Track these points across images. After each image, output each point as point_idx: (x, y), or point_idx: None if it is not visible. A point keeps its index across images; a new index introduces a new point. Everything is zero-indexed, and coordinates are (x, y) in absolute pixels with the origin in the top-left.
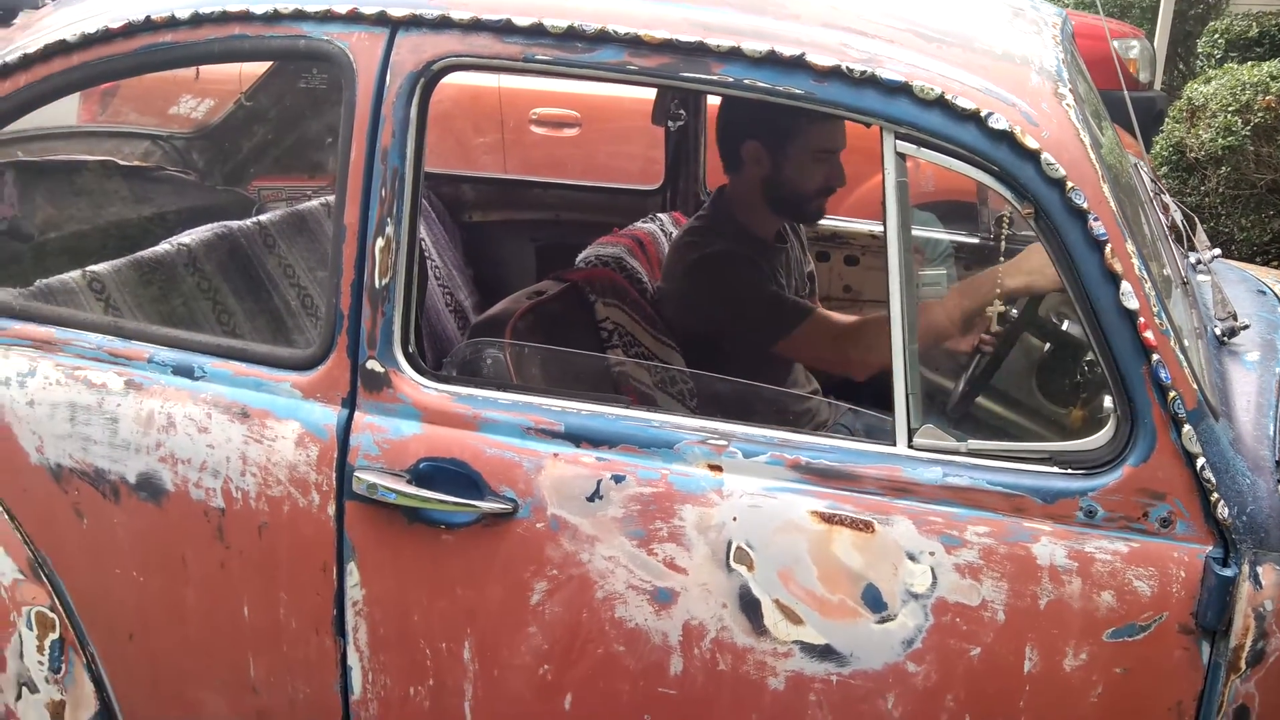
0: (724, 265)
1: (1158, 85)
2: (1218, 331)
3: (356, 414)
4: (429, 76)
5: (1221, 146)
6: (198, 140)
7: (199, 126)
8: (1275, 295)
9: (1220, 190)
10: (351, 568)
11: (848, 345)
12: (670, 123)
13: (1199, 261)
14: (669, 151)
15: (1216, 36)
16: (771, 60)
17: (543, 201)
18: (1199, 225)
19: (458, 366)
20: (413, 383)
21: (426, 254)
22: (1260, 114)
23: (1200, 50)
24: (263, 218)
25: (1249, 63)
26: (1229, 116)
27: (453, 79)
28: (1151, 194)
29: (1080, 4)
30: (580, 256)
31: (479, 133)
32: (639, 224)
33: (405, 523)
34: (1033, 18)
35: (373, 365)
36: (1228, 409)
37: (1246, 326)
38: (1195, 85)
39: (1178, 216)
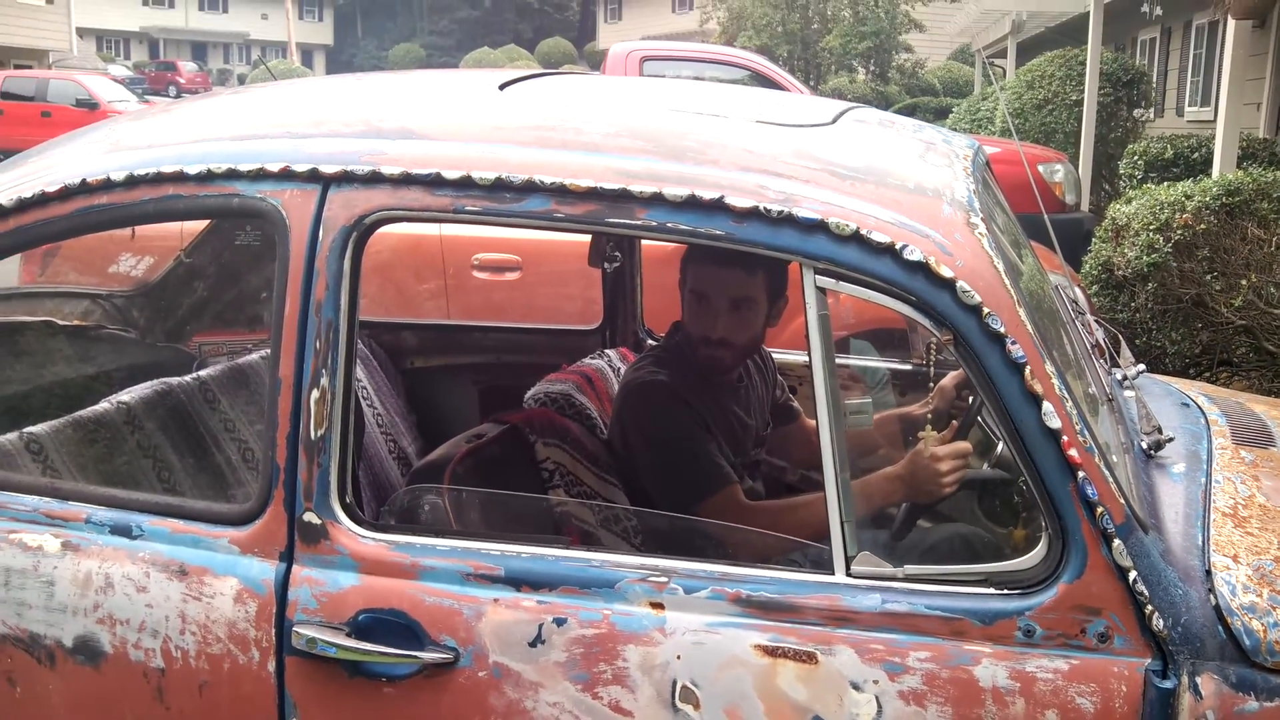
0: (653, 394)
1: (1084, 206)
2: (1144, 445)
3: (295, 567)
4: (361, 230)
5: (1146, 264)
6: (138, 298)
7: (139, 284)
8: (1199, 407)
9: (1149, 306)
10: None
11: (762, 524)
12: (606, 264)
13: (1125, 377)
14: (606, 292)
15: (1136, 158)
16: (692, 204)
17: (483, 345)
18: (1123, 342)
19: (397, 515)
20: (350, 533)
21: (368, 400)
22: (1179, 231)
23: (1122, 171)
24: (203, 373)
25: (1165, 183)
26: (1151, 235)
27: (394, 228)
28: (1074, 314)
29: (1004, 131)
30: (529, 394)
31: (421, 280)
32: (587, 360)
33: (346, 677)
34: (944, 150)
35: (309, 517)
36: (1157, 521)
37: (1171, 439)
38: (1118, 206)
39: (1100, 335)
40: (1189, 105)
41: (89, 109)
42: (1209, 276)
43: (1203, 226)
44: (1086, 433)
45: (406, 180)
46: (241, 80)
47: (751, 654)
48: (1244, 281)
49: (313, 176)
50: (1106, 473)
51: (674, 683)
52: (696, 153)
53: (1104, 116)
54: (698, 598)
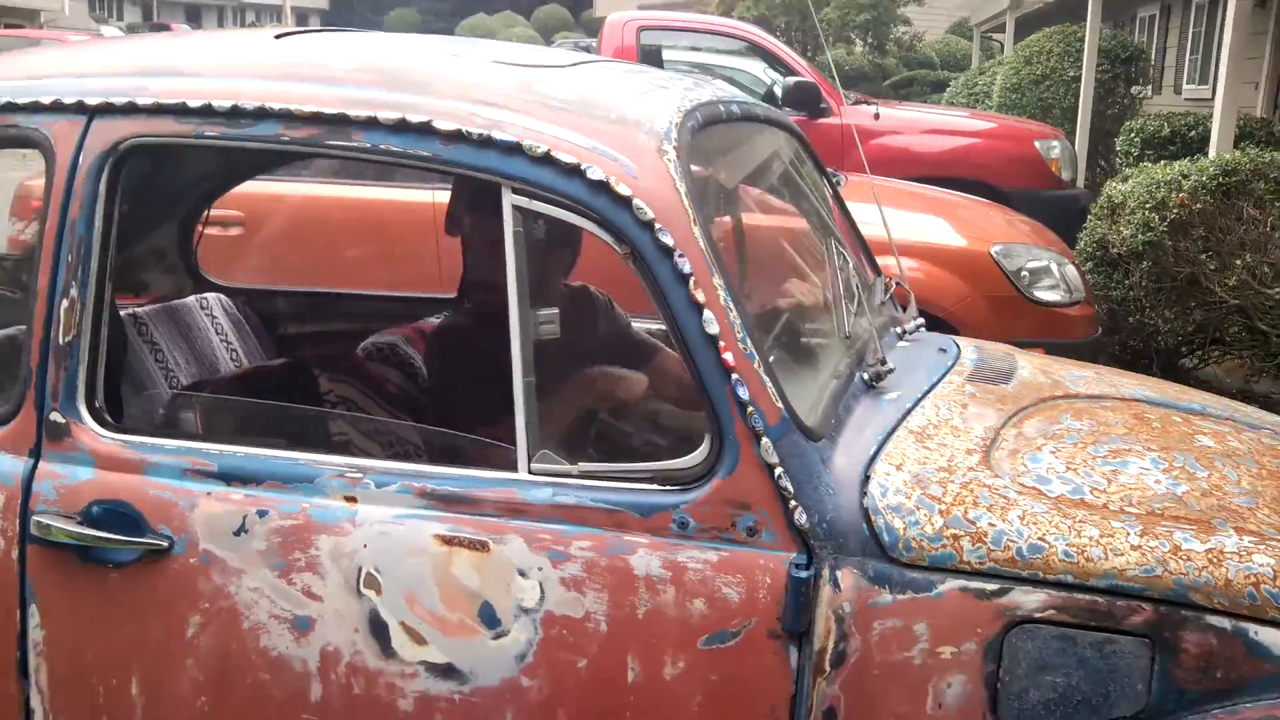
0: (444, 335)
1: (1080, 183)
2: (865, 376)
3: (41, 463)
4: (117, 156)
5: (1141, 242)
6: (26, 261)
7: (27, 248)
8: (959, 352)
9: (1143, 284)
10: (33, 610)
11: None
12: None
13: (903, 330)
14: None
15: (1133, 135)
16: (403, 127)
17: (353, 312)
18: (912, 299)
19: (150, 419)
20: (91, 432)
21: (237, 362)
22: (1175, 210)
23: (1119, 149)
24: None
25: (1162, 162)
26: (1147, 213)
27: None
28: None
29: (1002, 106)
30: (361, 345)
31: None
32: (431, 318)
33: (78, 562)
34: (672, 95)
35: (55, 417)
36: (836, 432)
37: (891, 370)
38: (1114, 184)
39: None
40: (1187, 83)
41: None
42: (1204, 256)
43: (1199, 206)
44: (748, 342)
45: (158, 110)
46: None
47: (431, 543)
48: (1238, 261)
49: (79, 108)
50: (765, 378)
51: (359, 570)
52: (421, 85)
53: (1101, 93)
54: (387, 491)
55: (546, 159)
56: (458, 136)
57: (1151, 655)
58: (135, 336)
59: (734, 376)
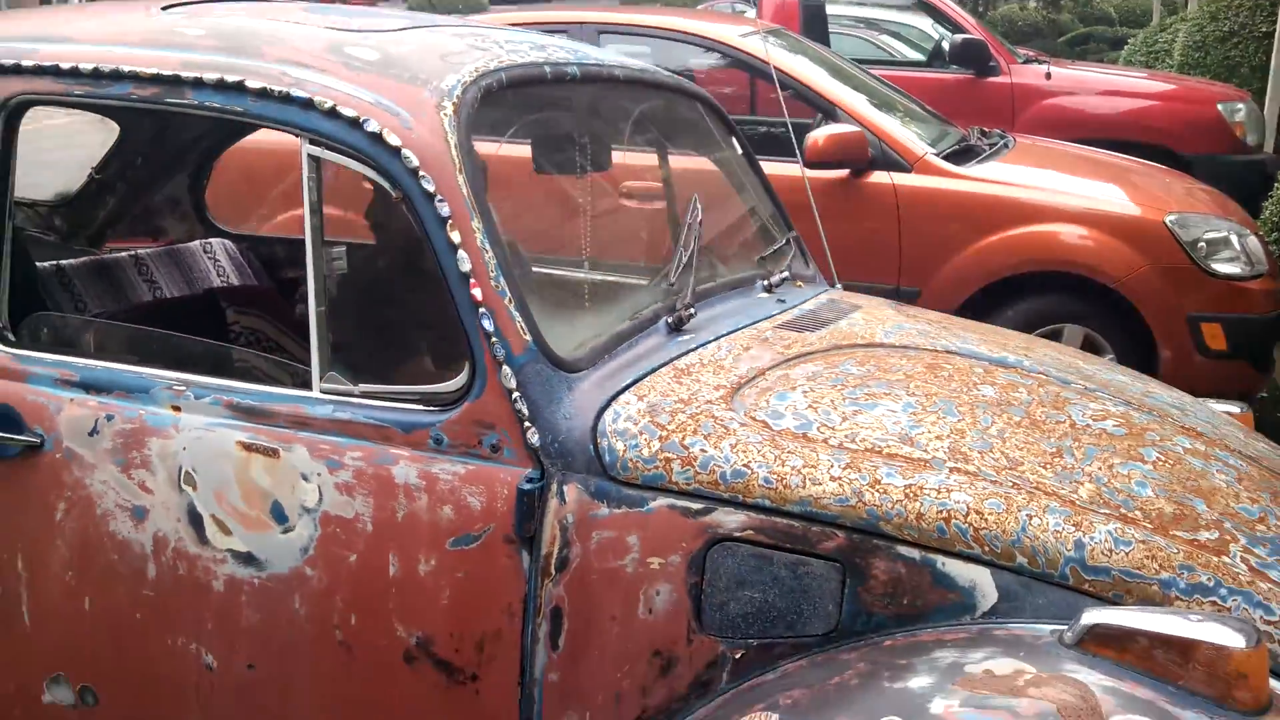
0: None
1: (1269, 148)
2: (669, 320)
3: None
4: (8, 110)
5: None
6: (59, 208)
7: (59, 195)
8: (797, 302)
9: None
10: None
11: None
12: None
13: (769, 285)
14: None
15: None
16: (221, 86)
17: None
18: (803, 256)
19: (52, 336)
20: None
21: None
22: None
23: None
24: None
25: None
26: None
27: None
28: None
29: (1184, 65)
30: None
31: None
32: None
33: None
34: (496, 54)
35: None
36: (601, 366)
37: (693, 314)
38: None
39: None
40: None
41: None
42: None
43: None
44: (500, 280)
45: (38, 71)
46: None
47: (234, 449)
48: None
49: None
50: (514, 313)
51: (180, 468)
52: (250, 49)
53: None
54: (203, 403)
55: (333, 113)
56: (264, 94)
57: (842, 579)
58: (135, 275)
59: (481, 310)
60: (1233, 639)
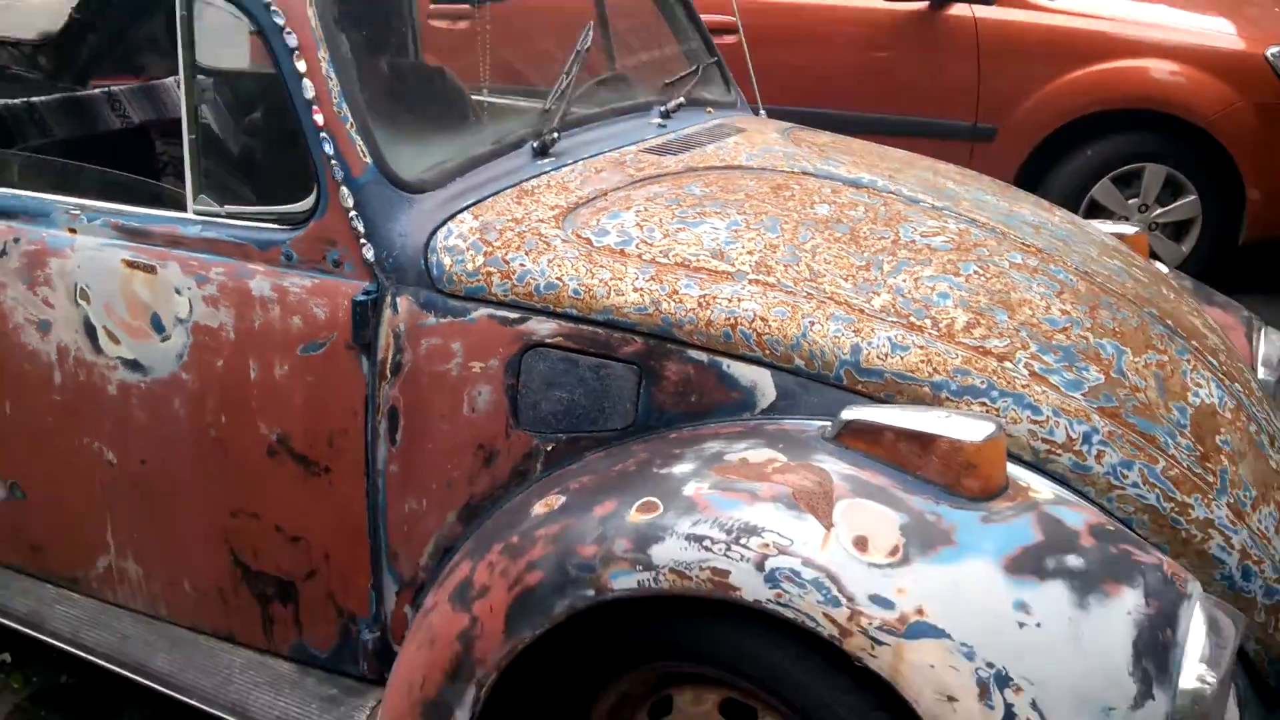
0: None
1: None
2: (535, 145)
3: None
4: None
5: None
6: (43, 46)
7: (43, 34)
8: (678, 126)
9: None
10: None
11: None
12: None
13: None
14: None
15: None
16: None
17: None
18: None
19: None
20: None
21: None
22: None
23: None
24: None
25: None
26: None
27: None
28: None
29: None
30: None
31: None
32: None
33: None
34: None
35: None
36: (447, 187)
37: (556, 139)
38: None
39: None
40: None
41: None
42: None
43: None
44: (343, 107)
45: None
46: None
47: (120, 266)
48: None
49: None
50: (355, 137)
51: (75, 285)
52: None
53: None
54: (95, 225)
55: None
56: None
57: (639, 380)
58: (108, 110)
59: (323, 135)
60: (966, 433)
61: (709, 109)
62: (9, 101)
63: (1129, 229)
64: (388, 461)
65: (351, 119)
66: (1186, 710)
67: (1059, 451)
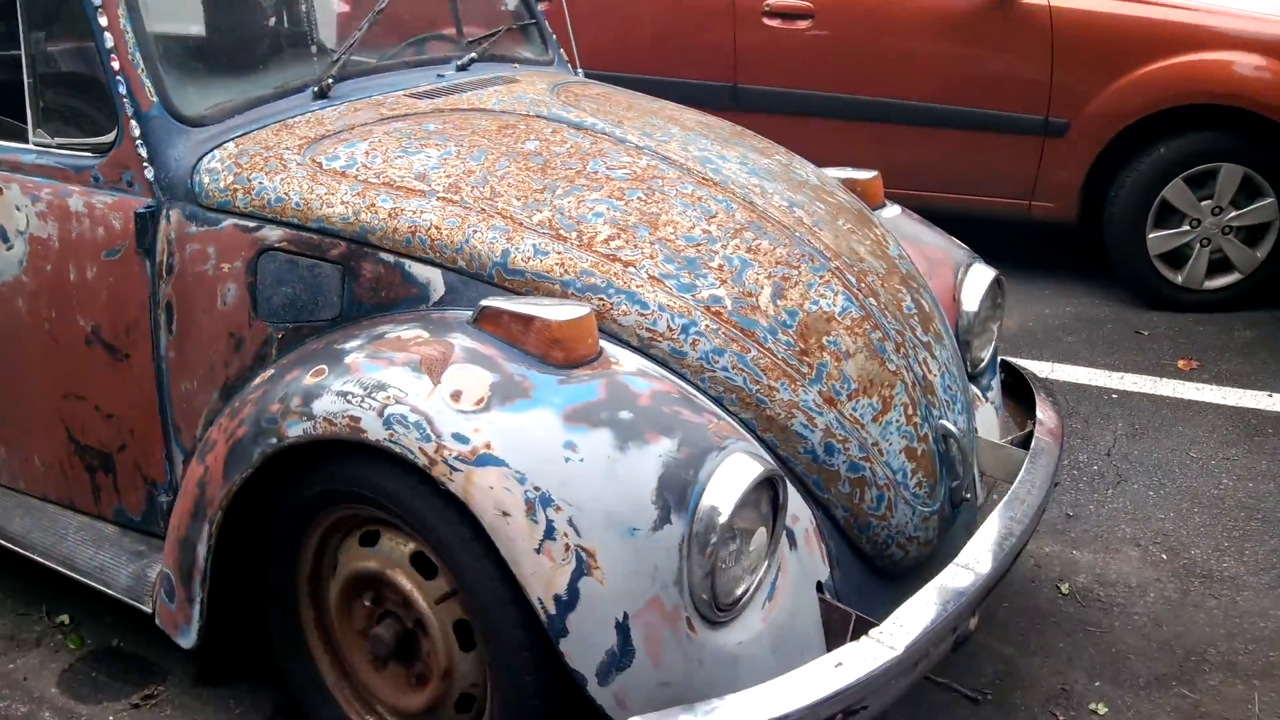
0: None
1: None
2: (316, 88)
3: None
4: None
5: None
6: None
7: None
8: (461, 79)
9: None
10: None
11: None
12: None
13: (461, 63)
14: None
15: None
16: None
17: None
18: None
19: None
20: None
21: None
22: None
23: None
24: None
25: None
26: None
27: None
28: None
29: None
30: None
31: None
32: None
33: None
34: None
35: None
36: (225, 121)
37: (331, 84)
38: None
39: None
40: None
41: None
42: None
43: None
44: (136, 54)
45: None
46: None
47: None
48: None
49: None
50: (145, 79)
51: None
52: None
53: None
54: None
55: None
56: None
57: (342, 278)
58: None
59: (119, 77)
60: (554, 314)
61: (515, 64)
62: None
63: (865, 174)
64: (168, 349)
65: (143, 65)
66: (701, 535)
67: (659, 339)
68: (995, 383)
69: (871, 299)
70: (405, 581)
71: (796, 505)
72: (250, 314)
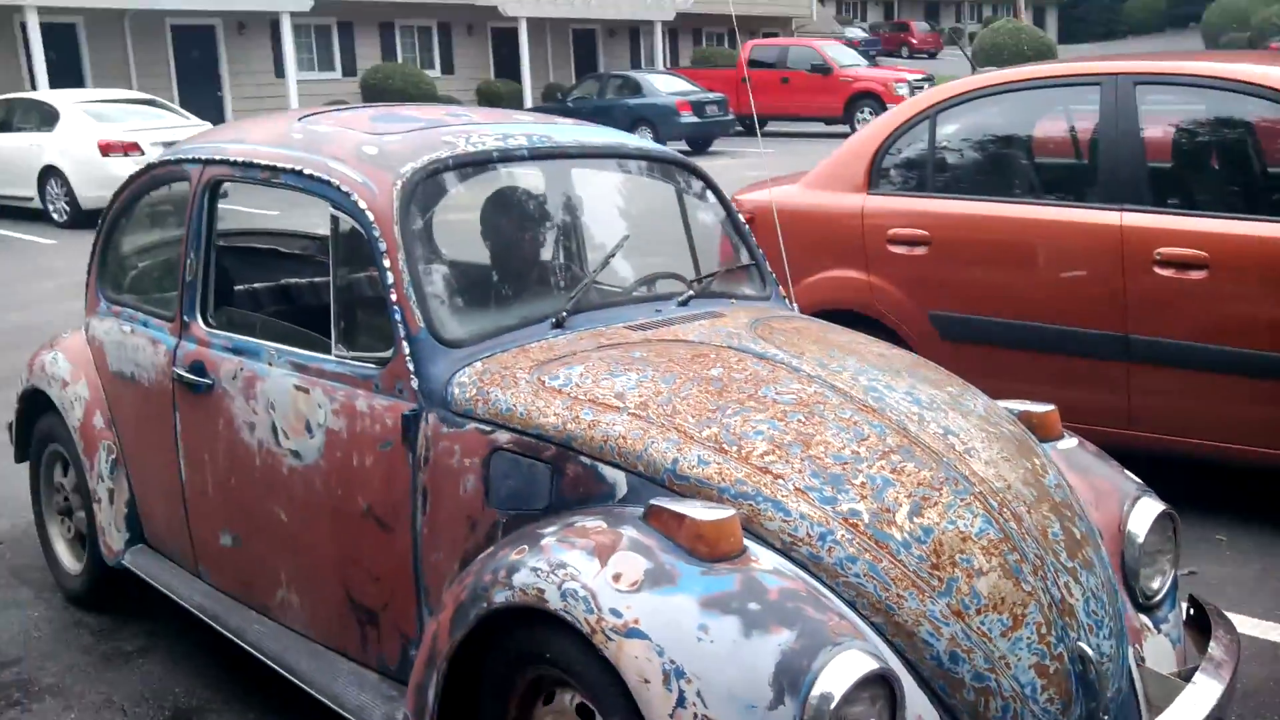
0: None
1: None
2: (554, 320)
3: (180, 341)
4: (210, 185)
5: None
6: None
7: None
8: (669, 315)
9: None
10: (177, 415)
11: None
12: None
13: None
14: None
15: None
16: (295, 173)
17: None
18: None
19: (223, 322)
20: (199, 326)
21: None
22: None
23: None
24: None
25: None
26: None
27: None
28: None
29: None
30: None
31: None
32: None
33: (190, 391)
34: (453, 145)
35: (185, 318)
36: (478, 344)
37: (565, 317)
38: None
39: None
40: None
41: (823, 74)
42: None
43: None
44: (411, 290)
45: (223, 162)
46: (971, 39)
47: (291, 389)
48: None
49: (196, 159)
50: (416, 310)
51: (269, 400)
52: (319, 149)
53: None
54: (281, 361)
55: (340, 189)
56: (312, 178)
57: (551, 475)
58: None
59: (395, 307)
60: (702, 515)
61: (732, 300)
62: (269, 285)
63: (1041, 407)
64: (423, 525)
65: (414, 297)
66: (812, 715)
67: (799, 543)
68: (1173, 616)
69: (1013, 523)
70: None
71: (922, 706)
72: (484, 502)
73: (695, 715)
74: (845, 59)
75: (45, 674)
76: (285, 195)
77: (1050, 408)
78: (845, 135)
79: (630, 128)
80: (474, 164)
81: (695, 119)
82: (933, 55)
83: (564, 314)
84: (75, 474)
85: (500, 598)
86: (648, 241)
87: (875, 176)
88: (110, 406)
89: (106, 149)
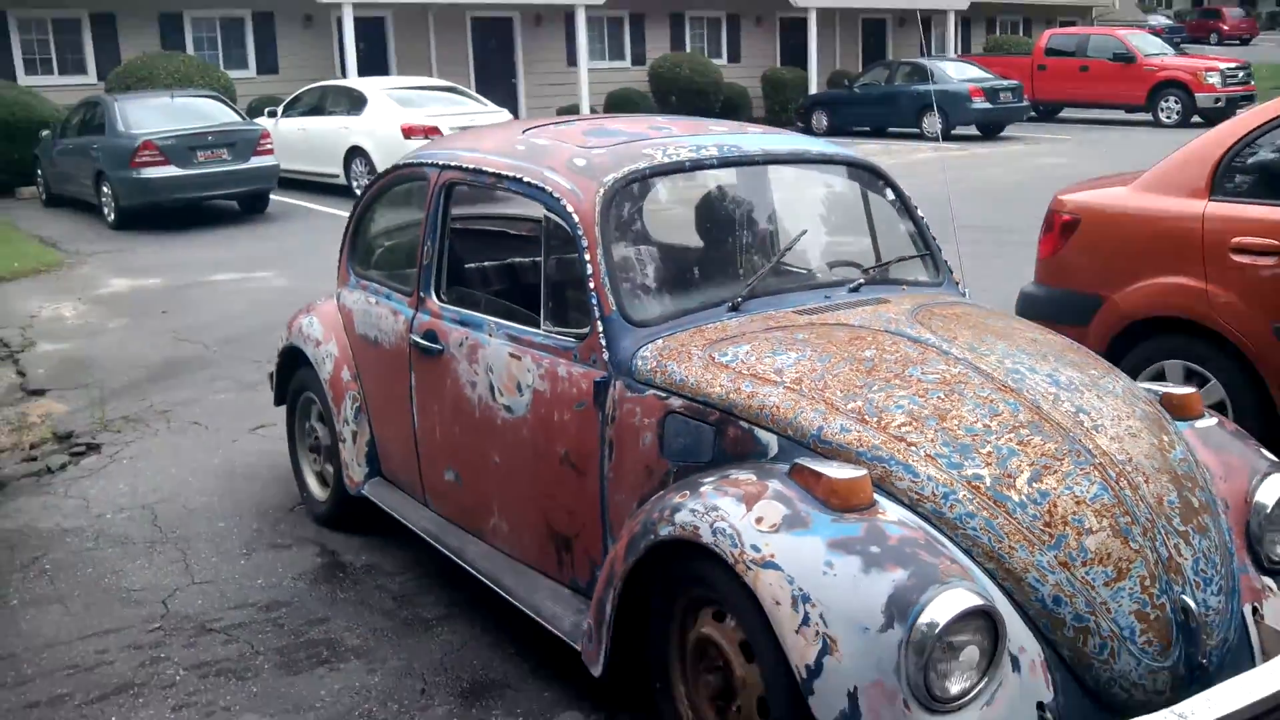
0: None
1: None
2: (731, 303)
3: (417, 313)
4: (446, 187)
5: None
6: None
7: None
8: (837, 300)
9: None
10: (412, 373)
11: None
12: None
13: (852, 286)
14: None
15: None
16: (516, 181)
17: None
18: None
19: (454, 298)
20: (433, 301)
21: None
22: None
23: None
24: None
25: None
26: None
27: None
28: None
29: None
30: None
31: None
32: None
33: (421, 354)
34: (656, 157)
35: (421, 294)
36: (661, 324)
37: (740, 300)
38: None
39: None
40: None
41: (1125, 63)
42: None
43: None
44: (606, 280)
45: (457, 168)
46: None
47: (507, 356)
48: None
49: (435, 164)
50: (610, 294)
51: (489, 365)
52: (538, 159)
53: None
54: (499, 333)
55: (552, 195)
56: (531, 185)
57: (715, 435)
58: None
59: (593, 292)
60: (836, 473)
61: (904, 287)
62: (496, 263)
63: (1183, 389)
64: (608, 470)
65: (609, 284)
66: (917, 642)
67: (925, 500)
68: None
69: (1129, 490)
70: (730, 650)
71: (1025, 639)
72: (658, 454)
73: (816, 632)
74: (1150, 48)
75: (352, 635)
76: None
77: (1191, 390)
78: (1148, 124)
79: (917, 114)
80: (667, 173)
81: (987, 105)
82: (1245, 42)
83: (739, 299)
84: (324, 418)
85: (664, 532)
86: (831, 234)
87: (1220, 181)
88: (355, 363)
89: (409, 131)
